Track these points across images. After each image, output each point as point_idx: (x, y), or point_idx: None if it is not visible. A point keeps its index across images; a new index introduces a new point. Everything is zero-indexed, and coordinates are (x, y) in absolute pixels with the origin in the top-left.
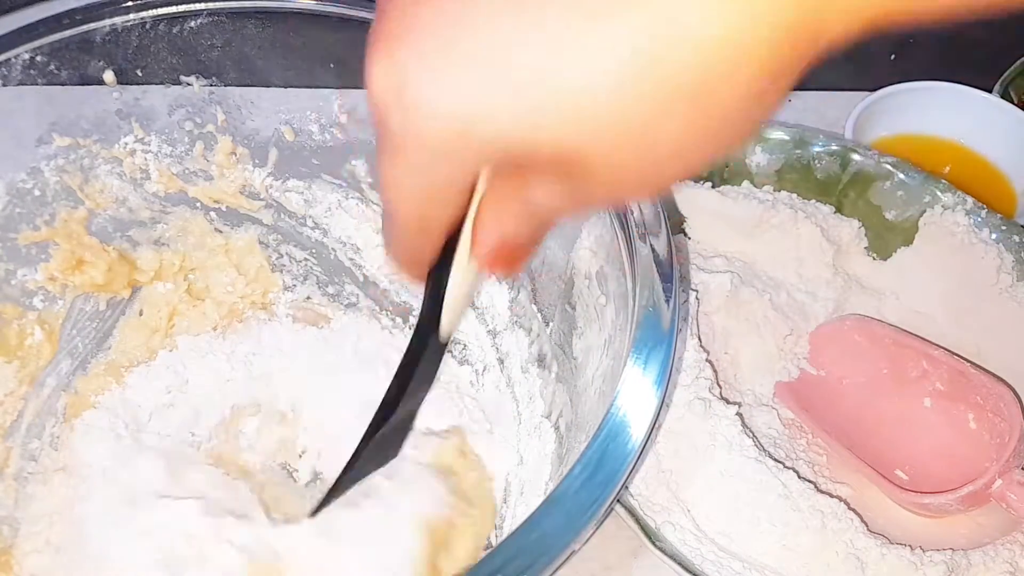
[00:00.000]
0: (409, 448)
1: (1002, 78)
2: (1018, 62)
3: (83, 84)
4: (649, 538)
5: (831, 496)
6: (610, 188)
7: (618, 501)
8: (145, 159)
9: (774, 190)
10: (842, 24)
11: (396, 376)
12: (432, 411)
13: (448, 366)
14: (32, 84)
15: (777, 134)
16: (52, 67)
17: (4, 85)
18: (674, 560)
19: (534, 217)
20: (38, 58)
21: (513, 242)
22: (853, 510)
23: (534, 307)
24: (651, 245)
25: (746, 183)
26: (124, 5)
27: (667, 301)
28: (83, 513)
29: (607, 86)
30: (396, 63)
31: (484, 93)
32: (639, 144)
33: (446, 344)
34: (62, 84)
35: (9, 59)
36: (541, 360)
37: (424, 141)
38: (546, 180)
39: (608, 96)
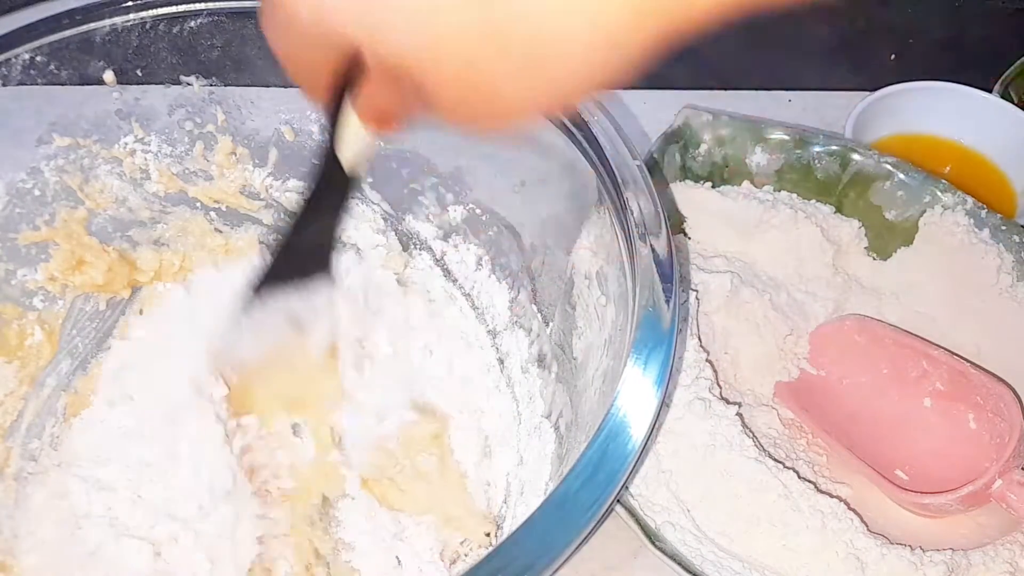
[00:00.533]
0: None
1: (1002, 78)
2: (1018, 62)
3: (83, 84)
4: (649, 538)
5: (831, 496)
6: (452, 112)
7: (618, 501)
8: (145, 159)
9: (774, 190)
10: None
11: (307, 196)
12: (434, 390)
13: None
14: (32, 84)
15: (777, 134)
16: (52, 67)
17: (4, 85)
18: (674, 560)
19: (401, 102)
20: (38, 58)
21: (385, 112)
22: (853, 510)
23: (534, 307)
24: (651, 245)
25: (746, 183)
26: (124, 5)
27: (667, 301)
28: (83, 513)
29: (449, 20)
30: None
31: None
32: (471, 81)
33: (350, 176)
34: (62, 84)
35: (9, 59)
36: (541, 360)
37: (285, 11)
38: (405, 82)
39: (447, 29)
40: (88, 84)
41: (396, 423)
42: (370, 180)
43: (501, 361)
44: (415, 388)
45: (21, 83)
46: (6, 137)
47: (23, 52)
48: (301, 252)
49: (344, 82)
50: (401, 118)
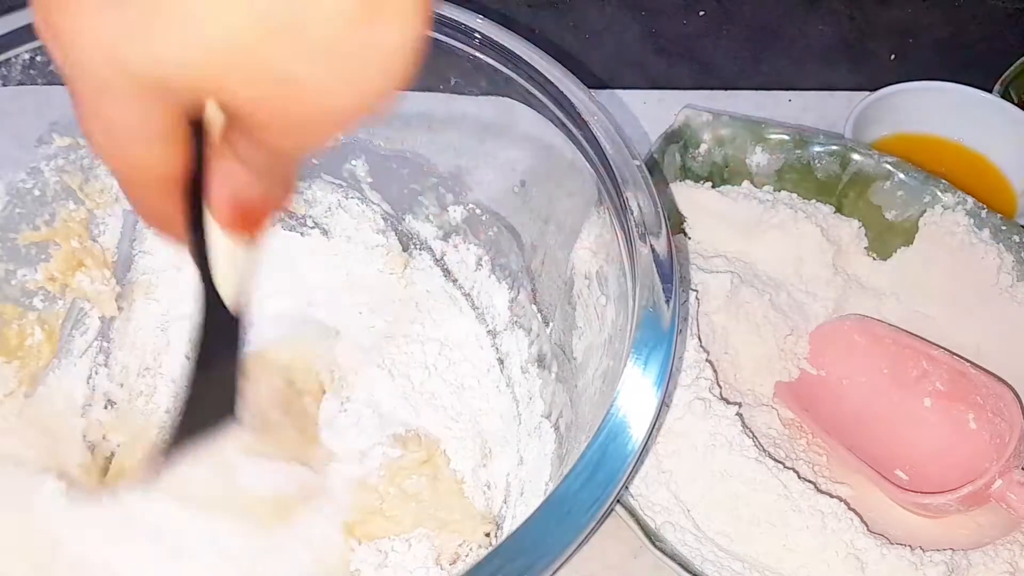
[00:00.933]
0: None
1: (1002, 78)
2: (1018, 62)
3: None
4: (649, 538)
5: (831, 496)
6: (281, 134)
7: (618, 501)
8: None
9: (774, 190)
10: None
11: (193, 352)
12: (418, 408)
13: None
14: (32, 84)
15: (777, 134)
16: (52, 67)
17: (4, 85)
18: (674, 560)
19: (254, 173)
20: (38, 58)
21: (247, 201)
22: (853, 510)
23: (534, 307)
24: (651, 245)
25: (746, 183)
26: None
27: (667, 301)
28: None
29: (224, 32)
30: None
31: (129, 25)
32: (271, 86)
33: (238, 312)
34: (62, 84)
35: (9, 59)
36: (541, 360)
37: (79, 70)
38: (240, 131)
39: (224, 41)
40: None
41: (377, 460)
42: (370, 180)
43: (501, 361)
44: (397, 418)
45: (21, 83)
46: (6, 137)
47: (23, 52)
48: (204, 404)
49: (194, 182)
50: (260, 202)
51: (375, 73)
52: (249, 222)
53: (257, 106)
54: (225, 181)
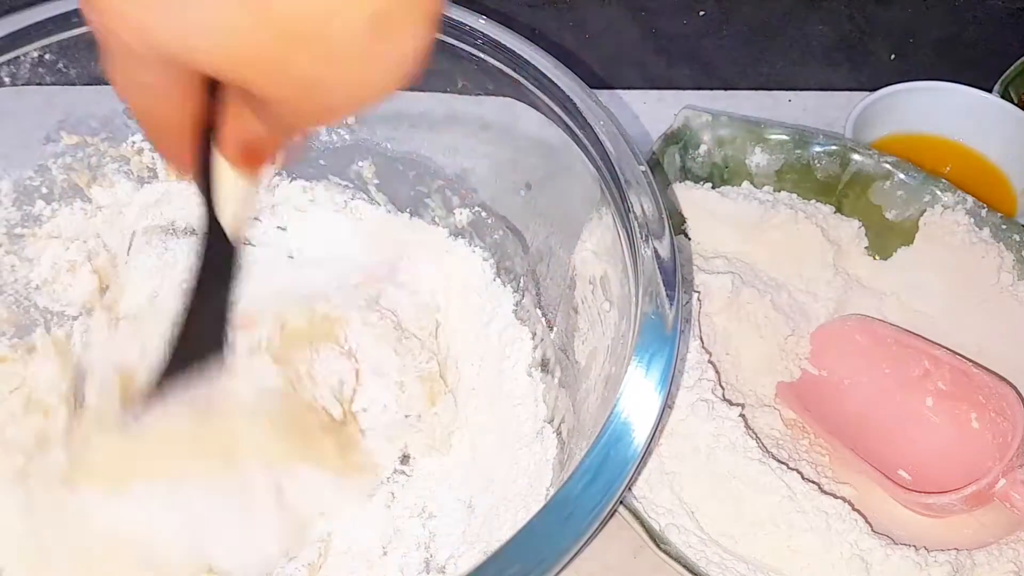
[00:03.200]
0: None
1: (1002, 78)
2: (1018, 62)
3: (91, 83)
4: (654, 541)
5: (835, 497)
6: (295, 114)
7: (621, 503)
8: (152, 157)
9: (774, 190)
10: None
11: (196, 275)
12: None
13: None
14: (40, 82)
15: (777, 134)
16: (60, 65)
17: (12, 83)
18: (679, 563)
19: (262, 125)
20: (47, 56)
21: (250, 142)
22: (857, 511)
23: (538, 311)
24: (654, 248)
25: (746, 183)
26: None
27: (670, 304)
28: None
29: (231, 22)
30: None
31: (154, 5)
32: (282, 76)
33: (235, 243)
34: (70, 83)
35: (17, 57)
36: (544, 365)
37: (113, 37)
38: (257, 100)
39: (236, 30)
40: (97, 83)
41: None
42: (376, 182)
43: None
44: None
45: (29, 81)
46: (14, 135)
47: (32, 50)
48: (196, 337)
49: (205, 122)
50: (267, 145)
51: (387, 75)
52: (248, 159)
53: (275, 95)
54: (235, 124)
